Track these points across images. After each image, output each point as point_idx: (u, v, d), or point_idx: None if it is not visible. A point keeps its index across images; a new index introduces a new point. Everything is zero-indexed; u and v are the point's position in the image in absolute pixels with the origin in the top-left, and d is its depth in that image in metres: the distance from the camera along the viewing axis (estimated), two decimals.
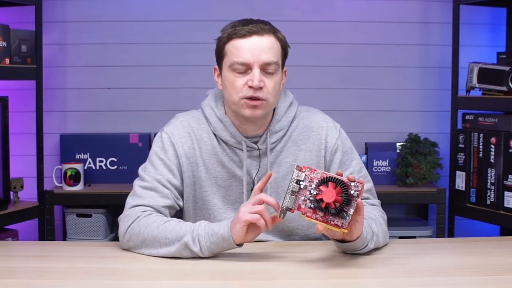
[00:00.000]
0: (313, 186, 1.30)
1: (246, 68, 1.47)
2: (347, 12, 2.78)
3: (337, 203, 1.26)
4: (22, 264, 1.41)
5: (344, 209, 1.27)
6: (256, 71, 1.46)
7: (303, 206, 1.30)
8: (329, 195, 1.26)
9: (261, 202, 1.35)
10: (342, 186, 1.27)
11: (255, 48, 1.46)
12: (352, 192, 1.28)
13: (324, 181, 1.28)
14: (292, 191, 1.31)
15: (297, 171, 1.31)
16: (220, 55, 1.51)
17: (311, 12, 2.78)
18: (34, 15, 2.47)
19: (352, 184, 1.28)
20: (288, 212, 1.32)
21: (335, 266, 1.35)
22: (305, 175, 1.31)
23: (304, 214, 1.30)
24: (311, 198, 1.29)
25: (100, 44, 2.77)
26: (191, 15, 2.76)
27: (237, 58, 1.46)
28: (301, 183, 1.31)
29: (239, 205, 1.55)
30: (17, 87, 2.67)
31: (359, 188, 1.28)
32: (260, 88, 1.46)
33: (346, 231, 1.29)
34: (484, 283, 1.24)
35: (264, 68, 1.47)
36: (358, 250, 1.40)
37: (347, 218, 1.28)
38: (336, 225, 1.28)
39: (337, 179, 1.28)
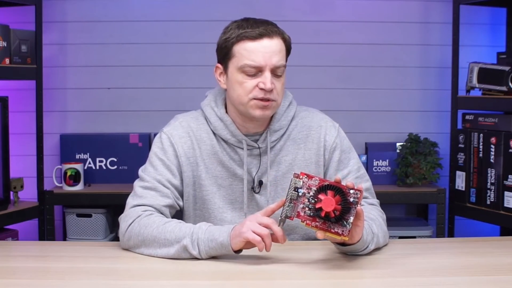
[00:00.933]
0: (312, 194, 1.29)
1: (257, 71, 1.47)
2: (347, 12, 2.79)
3: (337, 212, 1.26)
4: (22, 264, 1.41)
5: (344, 217, 1.27)
6: (267, 74, 1.46)
7: (302, 214, 1.30)
8: (328, 204, 1.25)
9: (268, 227, 1.33)
10: (341, 194, 1.27)
11: (267, 51, 1.46)
12: (351, 199, 1.27)
13: (323, 189, 1.28)
14: (290, 198, 1.31)
15: (295, 178, 1.31)
16: (227, 55, 1.50)
17: (311, 12, 2.78)
18: (34, 15, 2.47)
19: (351, 191, 1.28)
20: (287, 218, 1.32)
21: (335, 266, 1.35)
22: (303, 182, 1.31)
23: (303, 222, 1.30)
24: (310, 206, 1.29)
25: (100, 44, 2.77)
26: (191, 15, 2.76)
27: (249, 61, 1.46)
28: (299, 190, 1.31)
29: (240, 205, 1.56)
30: (17, 87, 2.67)
31: (358, 195, 1.27)
32: (271, 90, 1.46)
33: (347, 239, 1.29)
34: (484, 283, 1.24)
35: (274, 71, 1.47)
36: (359, 251, 1.40)
37: (347, 226, 1.27)
38: (337, 233, 1.28)
39: (336, 187, 1.27)
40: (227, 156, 1.55)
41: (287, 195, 1.31)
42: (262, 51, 1.46)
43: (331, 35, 2.78)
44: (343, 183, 1.30)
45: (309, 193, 1.30)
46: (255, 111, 1.48)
